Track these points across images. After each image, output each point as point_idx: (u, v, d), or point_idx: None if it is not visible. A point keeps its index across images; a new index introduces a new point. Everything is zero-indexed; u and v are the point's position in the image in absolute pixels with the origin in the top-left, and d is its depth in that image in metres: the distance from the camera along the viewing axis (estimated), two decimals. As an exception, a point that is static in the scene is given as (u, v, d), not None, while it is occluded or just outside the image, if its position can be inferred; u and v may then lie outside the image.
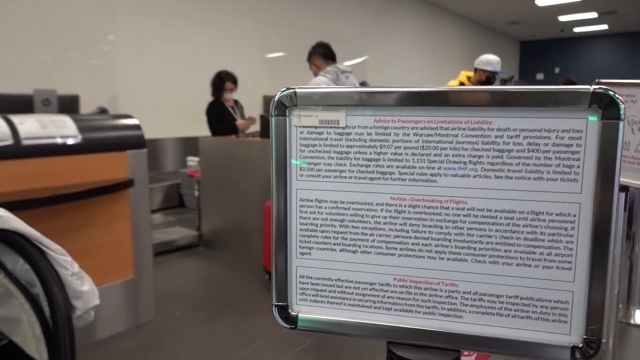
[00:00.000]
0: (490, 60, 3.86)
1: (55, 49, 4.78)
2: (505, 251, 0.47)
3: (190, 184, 4.91)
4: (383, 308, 0.50)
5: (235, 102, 4.59)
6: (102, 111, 2.93)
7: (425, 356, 0.48)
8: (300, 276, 0.52)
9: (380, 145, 0.48)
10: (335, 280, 0.51)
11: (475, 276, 0.48)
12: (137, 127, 2.71)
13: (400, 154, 0.48)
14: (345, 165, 0.49)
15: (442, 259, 0.48)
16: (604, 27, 12.23)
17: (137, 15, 5.58)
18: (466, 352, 0.73)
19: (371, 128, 0.48)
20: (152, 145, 4.68)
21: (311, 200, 0.51)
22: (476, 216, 0.47)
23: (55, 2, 4.83)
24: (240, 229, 3.93)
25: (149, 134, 2.73)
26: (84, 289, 0.65)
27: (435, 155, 0.47)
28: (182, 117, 5.78)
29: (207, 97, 4.46)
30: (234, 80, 4.41)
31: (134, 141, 2.66)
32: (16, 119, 2.29)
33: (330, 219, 0.51)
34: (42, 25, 4.66)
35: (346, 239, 0.50)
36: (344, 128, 0.49)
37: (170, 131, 5.95)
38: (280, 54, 7.31)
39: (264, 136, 3.94)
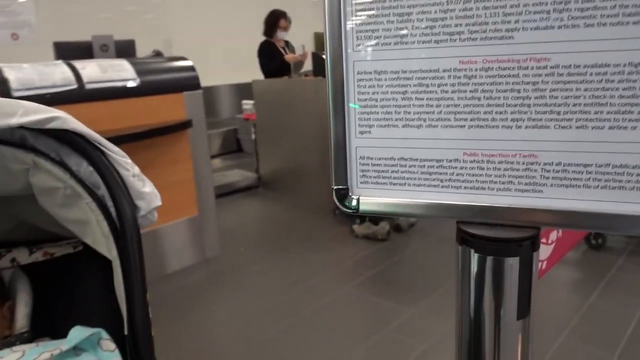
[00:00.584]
0: None
1: (112, 4, 4.86)
2: (596, 113, 0.41)
3: (247, 128, 4.97)
4: (452, 186, 0.46)
5: (287, 42, 4.52)
6: (157, 54, 2.97)
7: (501, 233, 0.44)
8: (361, 157, 0.49)
9: (447, 1, 0.43)
10: (398, 159, 0.48)
11: (559, 144, 0.42)
12: (191, 68, 2.73)
13: (470, 8, 0.42)
14: (406, 28, 0.44)
15: (520, 127, 0.43)
16: None
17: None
18: (543, 239, 0.68)
19: (436, -18, 0.43)
20: (208, 93, 4.72)
21: (370, 72, 0.46)
22: (561, 74, 0.41)
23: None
24: (298, 169, 3.96)
25: (203, 82, 2.75)
26: (146, 190, 0.66)
27: (511, 6, 0.41)
28: (236, 63, 5.78)
29: (259, 41, 4.40)
30: (287, 18, 4.32)
31: (189, 82, 2.69)
32: (78, 64, 2.37)
33: (392, 92, 0.46)
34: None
35: (409, 112, 0.46)
36: (404, -15, 0.43)
37: (224, 78, 5.99)
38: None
39: (317, 74, 3.86)
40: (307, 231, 3.30)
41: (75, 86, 2.27)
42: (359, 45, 0.46)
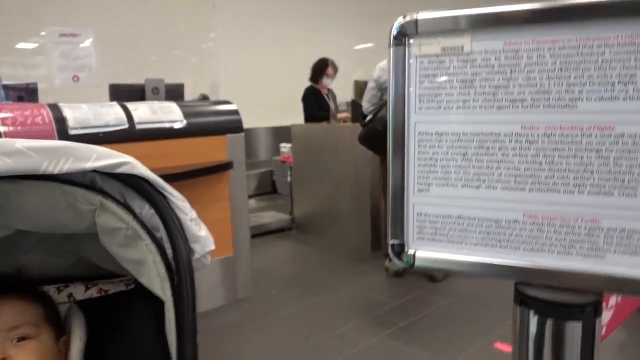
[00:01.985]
0: None
1: (162, 48, 5.17)
2: (661, 182, 0.41)
3: (283, 170, 5.05)
4: (510, 247, 0.47)
5: (329, 90, 4.66)
6: (204, 98, 3.10)
7: (563, 297, 0.44)
8: (418, 214, 0.50)
9: (511, 70, 0.45)
10: (457, 217, 0.49)
11: (623, 212, 0.43)
12: (235, 112, 2.83)
13: (534, 78, 0.44)
14: (469, 94, 0.46)
15: (582, 192, 0.44)
16: None
17: (235, 10, 5.85)
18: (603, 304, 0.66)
19: (500, 52, 0.45)
20: (246, 135, 4.89)
21: (431, 134, 0.48)
22: (626, 143, 0.42)
23: (161, 4, 5.20)
24: (332, 213, 3.97)
25: (244, 124, 2.85)
26: (202, 234, 0.68)
27: (575, 77, 0.43)
28: (275, 107, 5.96)
29: (300, 87, 4.54)
30: (335, 67, 4.45)
31: (232, 125, 2.79)
32: (131, 105, 2.51)
33: (452, 153, 0.48)
34: (151, 26, 5.05)
35: (469, 173, 0.47)
36: (468, 54, 0.46)
37: (263, 121, 6.17)
38: (370, 44, 7.28)
39: (356, 121, 3.93)
40: (340, 276, 3.27)
41: (126, 126, 2.40)
42: (422, 107, 0.48)
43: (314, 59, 4.59)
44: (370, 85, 2.97)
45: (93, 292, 0.76)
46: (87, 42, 2.93)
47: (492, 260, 0.47)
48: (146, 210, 0.65)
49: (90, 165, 0.59)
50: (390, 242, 0.51)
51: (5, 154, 0.55)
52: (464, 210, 0.48)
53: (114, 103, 2.51)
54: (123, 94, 2.70)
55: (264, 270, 3.36)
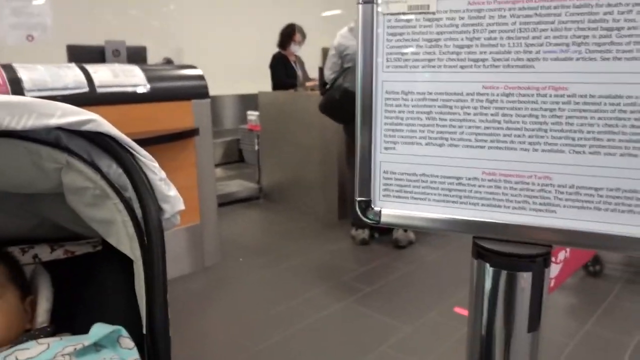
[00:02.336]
0: None
1: (125, 11, 4.94)
2: (609, 140, 0.44)
3: (250, 139, 5.01)
4: (470, 203, 0.49)
5: (297, 57, 4.60)
6: (168, 62, 3.01)
7: (516, 249, 0.47)
8: (384, 171, 0.51)
9: (473, 29, 0.46)
10: (420, 175, 0.50)
11: (573, 168, 0.45)
12: (201, 77, 2.77)
13: (495, 38, 0.45)
14: (434, 53, 0.48)
15: (536, 150, 0.46)
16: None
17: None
18: (552, 258, 0.71)
19: (464, 12, 0.46)
20: (212, 102, 4.82)
21: (397, 93, 0.50)
22: (577, 103, 0.44)
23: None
24: (300, 182, 3.99)
25: (210, 91, 2.79)
26: (171, 193, 0.68)
27: (533, 37, 0.44)
28: (241, 74, 5.85)
29: (266, 55, 4.46)
30: (303, 33, 4.40)
31: (198, 91, 2.73)
32: (90, 68, 2.41)
33: (417, 112, 0.49)
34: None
35: (433, 132, 0.49)
36: (434, 13, 0.47)
37: (229, 89, 6.05)
38: (338, 11, 7.17)
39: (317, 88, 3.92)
40: (307, 243, 3.31)
41: (86, 89, 2.31)
42: (389, 67, 0.49)
43: (281, 26, 4.51)
44: (331, 52, 2.94)
45: (59, 254, 0.76)
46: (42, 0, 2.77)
47: (452, 216, 0.50)
48: (114, 169, 0.64)
49: (54, 122, 0.58)
50: (358, 199, 0.52)
51: None
52: (428, 169, 0.50)
53: (73, 65, 2.40)
54: (82, 55, 2.59)
55: (231, 238, 3.37)
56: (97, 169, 0.63)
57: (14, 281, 0.69)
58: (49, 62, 2.37)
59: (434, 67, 0.48)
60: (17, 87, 2.12)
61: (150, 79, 2.54)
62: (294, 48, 4.44)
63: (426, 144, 0.50)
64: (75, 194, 0.64)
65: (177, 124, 2.62)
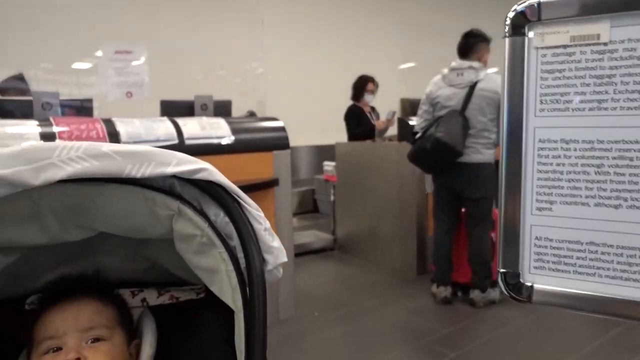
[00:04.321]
0: None
1: (210, 66, 5.30)
2: None
3: (326, 189, 4.99)
4: (661, 283, 0.38)
5: (372, 108, 4.60)
6: (251, 114, 3.11)
7: None
8: (537, 237, 0.41)
9: (663, 62, 0.36)
10: (587, 243, 0.40)
11: None
12: (282, 129, 2.81)
13: (696, 71, 0.35)
14: (606, 93, 0.38)
15: None
16: None
17: (282, 28, 5.93)
18: None
19: (648, 41, 0.37)
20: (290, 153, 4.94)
21: (555, 141, 0.40)
22: None
23: (211, 21, 5.35)
24: (376, 234, 3.86)
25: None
26: (275, 244, 0.66)
27: None
28: (316, 125, 5.96)
29: (344, 106, 4.51)
30: (375, 83, 4.43)
31: (279, 142, 2.76)
32: (180, 121, 2.52)
33: (582, 164, 0.39)
34: (200, 44, 5.19)
35: (605, 189, 0.39)
36: (606, 44, 0.38)
37: (303, 140, 6.17)
38: (412, 64, 7.23)
39: (402, 139, 3.85)
40: (385, 299, 3.14)
41: (176, 141, 2.41)
42: (543, 110, 0.40)
43: (358, 74, 4.57)
44: (422, 100, 2.85)
45: (165, 299, 0.77)
46: (141, 59, 3.00)
47: (635, 298, 0.38)
48: (221, 218, 0.64)
49: (170, 170, 0.60)
50: (501, 270, 0.43)
51: (93, 157, 0.57)
52: (598, 236, 0.39)
53: (164, 118, 2.54)
54: (173, 109, 2.73)
55: (306, 290, 3.28)
56: (205, 217, 0.63)
57: (122, 324, 0.71)
58: (145, 116, 2.52)
59: (606, 109, 0.38)
60: (114, 139, 2.25)
61: (234, 131, 2.61)
62: (368, 98, 4.47)
63: (595, 205, 0.39)
64: (184, 241, 0.65)
65: (259, 174, 2.64)
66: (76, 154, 0.57)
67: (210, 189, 0.63)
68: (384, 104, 4.82)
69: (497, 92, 2.58)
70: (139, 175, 0.59)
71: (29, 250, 0.69)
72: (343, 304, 3.13)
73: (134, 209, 0.63)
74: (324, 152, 5.71)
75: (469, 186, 2.75)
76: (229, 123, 2.66)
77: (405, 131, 4.12)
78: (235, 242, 0.63)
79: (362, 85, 4.44)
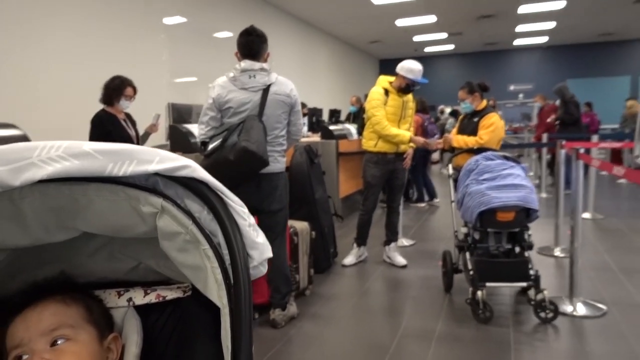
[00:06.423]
0: (412, 68, 3.40)
1: None
2: None
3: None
4: None
5: (127, 115, 3.57)
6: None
7: None
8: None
9: None
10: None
11: None
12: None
13: None
14: None
15: None
16: (451, 47, 13.93)
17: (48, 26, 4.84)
18: None
19: None
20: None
21: None
22: None
23: None
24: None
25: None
26: (259, 240, 0.67)
27: None
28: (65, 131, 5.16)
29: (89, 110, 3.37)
30: (134, 87, 3.43)
31: None
32: None
33: None
34: None
35: None
36: None
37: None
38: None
39: (176, 149, 3.73)
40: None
41: None
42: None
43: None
44: (207, 106, 2.40)
45: (152, 298, 0.75)
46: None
47: None
48: (204, 215, 0.64)
49: (152, 168, 0.60)
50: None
51: (73, 156, 0.57)
52: None
53: None
54: None
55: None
56: (189, 214, 0.63)
57: (91, 321, 0.69)
58: None
59: None
60: None
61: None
62: (125, 104, 3.39)
63: None
64: (168, 239, 0.64)
65: None
66: (56, 153, 0.57)
67: (193, 185, 0.63)
68: (143, 111, 4.26)
69: (290, 96, 2.44)
70: (120, 173, 0.58)
71: (13, 252, 0.67)
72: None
73: (117, 208, 0.62)
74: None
75: (268, 198, 2.45)
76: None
77: (181, 139, 4.02)
78: (220, 238, 0.63)
79: (120, 87, 3.36)
